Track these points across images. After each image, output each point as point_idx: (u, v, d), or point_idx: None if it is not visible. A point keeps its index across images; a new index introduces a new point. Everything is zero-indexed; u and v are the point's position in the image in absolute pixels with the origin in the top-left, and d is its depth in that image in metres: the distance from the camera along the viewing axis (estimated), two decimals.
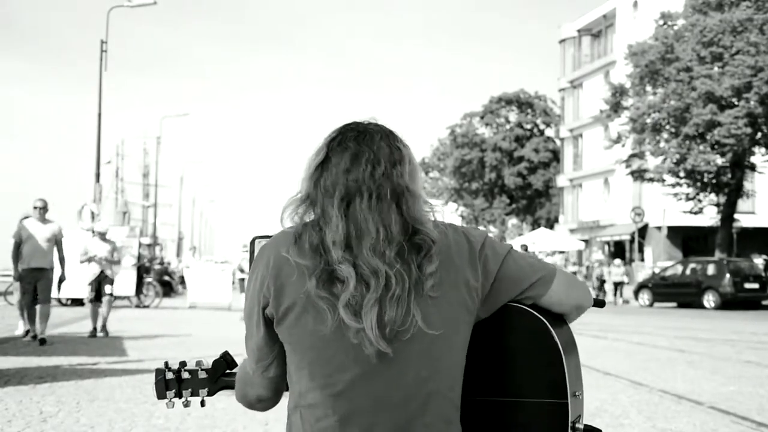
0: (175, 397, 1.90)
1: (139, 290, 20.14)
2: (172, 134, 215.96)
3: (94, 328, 11.53)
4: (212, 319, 16.21)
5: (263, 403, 1.67)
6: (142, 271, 20.93)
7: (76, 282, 14.28)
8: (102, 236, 11.99)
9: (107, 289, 11.69)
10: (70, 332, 12.29)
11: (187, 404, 1.91)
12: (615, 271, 27.81)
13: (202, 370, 1.92)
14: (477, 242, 1.54)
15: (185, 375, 1.91)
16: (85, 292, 12.12)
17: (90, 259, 11.65)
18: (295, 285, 1.47)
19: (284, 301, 1.48)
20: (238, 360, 1.86)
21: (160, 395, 1.91)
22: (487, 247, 1.54)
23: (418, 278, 1.44)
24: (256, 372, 1.61)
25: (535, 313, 1.54)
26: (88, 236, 12.90)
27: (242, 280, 16.83)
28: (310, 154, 1.56)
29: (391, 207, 1.47)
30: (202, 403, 1.92)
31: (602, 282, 28.29)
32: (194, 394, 1.91)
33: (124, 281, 19.34)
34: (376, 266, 1.43)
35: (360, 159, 1.49)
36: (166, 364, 1.93)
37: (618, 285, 27.59)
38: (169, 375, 1.90)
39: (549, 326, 1.52)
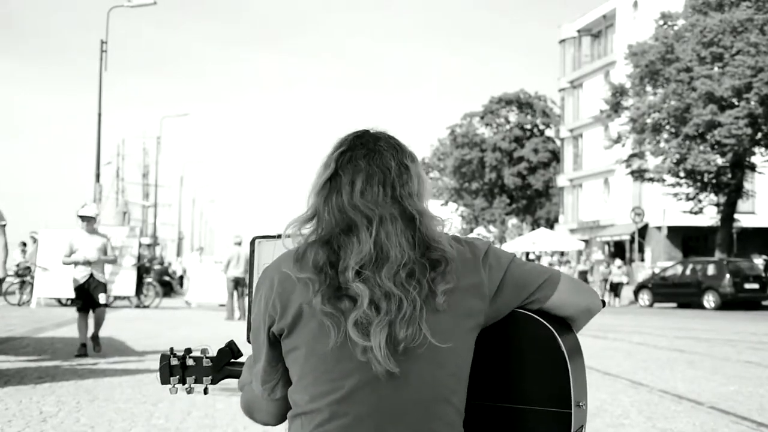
0: (178, 383, 1.92)
1: (139, 290, 20.14)
2: (172, 134, 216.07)
3: (83, 345, 9.25)
4: (212, 319, 16.21)
5: (268, 425, 1.68)
6: (142, 271, 20.93)
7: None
8: (90, 226, 9.57)
9: (101, 298, 9.40)
10: (70, 333, 12.29)
11: (190, 391, 1.93)
12: (615, 272, 27.79)
13: (206, 358, 1.94)
14: (480, 251, 1.54)
15: (190, 362, 1.93)
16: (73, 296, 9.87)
17: (75, 263, 9.39)
18: (299, 296, 1.48)
19: (290, 312, 1.49)
20: (243, 350, 1.87)
21: (164, 380, 1.93)
22: (490, 255, 1.55)
23: (428, 295, 1.45)
24: (263, 394, 1.61)
25: (541, 320, 1.53)
26: (76, 229, 10.13)
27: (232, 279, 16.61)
28: (317, 167, 1.56)
29: (408, 229, 1.48)
30: (205, 391, 1.94)
31: (606, 282, 28.24)
32: (198, 381, 1.93)
33: (124, 281, 19.38)
34: (389, 290, 1.43)
35: (372, 180, 1.49)
36: (172, 350, 1.95)
37: (617, 285, 27.59)
38: (174, 361, 1.92)
39: (556, 334, 1.52)
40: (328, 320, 1.44)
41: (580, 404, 1.53)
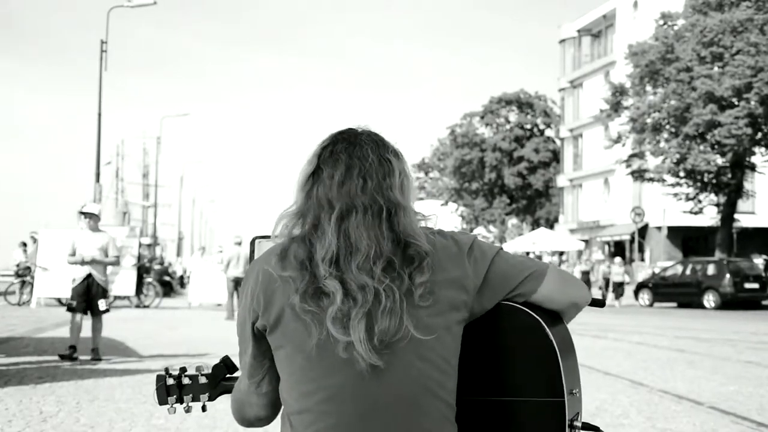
0: (176, 402, 1.92)
1: (139, 290, 20.15)
2: (172, 134, 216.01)
3: (72, 346, 8.68)
4: (212, 319, 16.21)
5: (262, 421, 1.68)
6: (142, 271, 20.94)
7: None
8: (94, 224, 9.12)
9: (101, 304, 8.90)
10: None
11: (188, 410, 1.92)
12: (617, 271, 27.73)
13: (202, 375, 1.93)
14: (465, 245, 1.54)
15: (186, 380, 1.93)
16: (68, 295, 9.35)
17: (76, 262, 8.92)
18: (281, 295, 1.48)
19: (273, 311, 1.49)
20: (239, 364, 1.87)
21: (162, 401, 1.92)
22: (475, 248, 1.55)
23: (409, 288, 1.45)
24: (250, 388, 1.62)
25: (528, 311, 1.54)
26: (79, 228, 9.59)
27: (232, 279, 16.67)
28: (302, 163, 1.57)
29: (383, 222, 1.48)
30: (204, 408, 1.93)
31: (607, 282, 28.13)
32: (195, 399, 1.93)
33: (124, 281, 19.39)
34: (363, 282, 1.43)
35: (352, 172, 1.50)
36: (167, 370, 1.94)
37: (620, 285, 27.54)
38: (170, 381, 1.92)
39: (543, 324, 1.52)
40: (309, 318, 1.44)
41: (574, 392, 1.53)
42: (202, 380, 1.93)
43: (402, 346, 1.44)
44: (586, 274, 28.00)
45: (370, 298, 1.42)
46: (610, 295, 27.71)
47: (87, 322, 9.04)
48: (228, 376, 1.92)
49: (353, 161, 1.51)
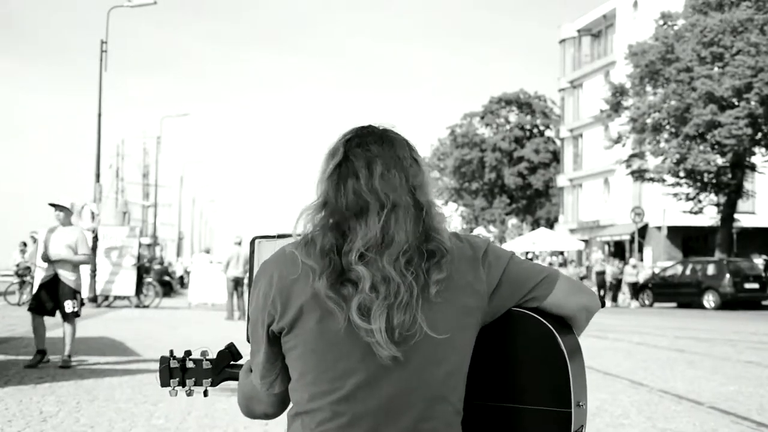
0: (178, 385, 1.92)
1: (139, 290, 20.16)
2: (172, 134, 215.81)
3: (39, 351, 8.00)
4: (212, 319, 16.21)
5: (269, 417, 1.68)
6: (142, 271, 20.94)
7: None
8: (65, 218, 8.27)
9: (67, 306, 8.02)
10: None
11: (190, 393, 1.92)
12: (630, 272, 27.62)
13: (206, 360, 1.94)
14: (480, 249, 1.55)
15: (189, 364, 1.93)
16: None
17: (45, 260, 8.06)
18: (301, 288, 1.48)
19: (292, 309, 1.48)
20: (243, 352, 1.87)
21: (164, 383, 1.92)
22: (489, 253, 1.55)
23: (425, 284, 1.45)
24: (262, 388, 1.62)
25: (541, 318, 1.53)
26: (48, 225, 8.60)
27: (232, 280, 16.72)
28: (323, 155, 1.55)
29: (418, 216, 1.49)
30: (205, 393, 1.93)
31: (619, 281, 27.93)
32: (198, 383, 1.93)
33: (124, 281, 19.38)
34: (389, 274, 1.43)
35: (390, 165, 1.50)
36: (171, 352, 1.95)
37: (633, 285, 27.48)
38: (174, 363, 1.92)
39: (555, 333, 1.51)
40: (332, 304, 1.44)
41: (580, 404, 1.53)
42: (206, 365, 1.93)
43: (416, 344, 1.44)
44: (601, 275, 27.85)
45: (392, 291, 1.43)
46: (622, 296, 27.68)
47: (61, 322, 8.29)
48: (232, 363, 1.91)
49: (386, 152, 1.51)
